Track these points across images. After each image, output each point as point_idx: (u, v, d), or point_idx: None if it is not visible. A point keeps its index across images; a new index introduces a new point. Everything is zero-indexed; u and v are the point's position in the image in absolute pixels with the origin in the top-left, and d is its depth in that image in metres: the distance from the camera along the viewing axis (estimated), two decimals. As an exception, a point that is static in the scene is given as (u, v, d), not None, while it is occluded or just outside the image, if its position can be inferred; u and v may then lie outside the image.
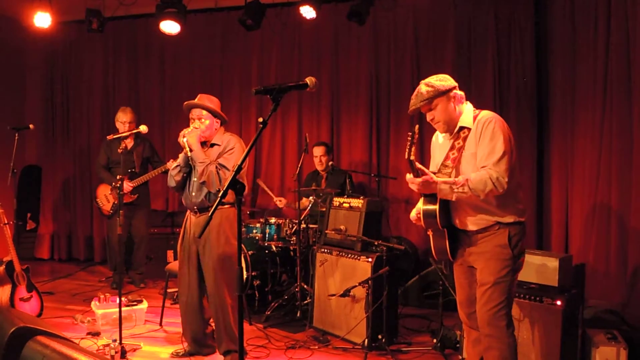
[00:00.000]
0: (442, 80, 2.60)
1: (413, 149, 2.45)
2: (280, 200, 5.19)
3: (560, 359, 3.00)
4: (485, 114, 2.59)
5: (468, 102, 2.67)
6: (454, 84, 2.62)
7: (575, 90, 4.50)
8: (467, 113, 2.62)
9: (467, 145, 2.57)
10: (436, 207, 2.56)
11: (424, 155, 4.73)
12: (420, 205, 2.62)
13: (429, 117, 2.64)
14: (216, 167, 3.24)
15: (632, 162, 3.96)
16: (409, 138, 2.46)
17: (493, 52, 5.11)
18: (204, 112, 3.36)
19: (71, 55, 6.82)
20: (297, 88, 2.14)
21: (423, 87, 2.59)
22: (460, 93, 2.63)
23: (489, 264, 2.55)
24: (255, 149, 6.13)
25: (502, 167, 2.44)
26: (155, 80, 6.57)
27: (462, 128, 2.61)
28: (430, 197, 2.58)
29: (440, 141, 2.78)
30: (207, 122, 3.36)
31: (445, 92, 2.58)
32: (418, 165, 2.51)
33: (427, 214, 2.59)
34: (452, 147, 2.63)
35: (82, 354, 1.68)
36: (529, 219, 4.63)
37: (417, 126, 2.58)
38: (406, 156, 2.46)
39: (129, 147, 5.17)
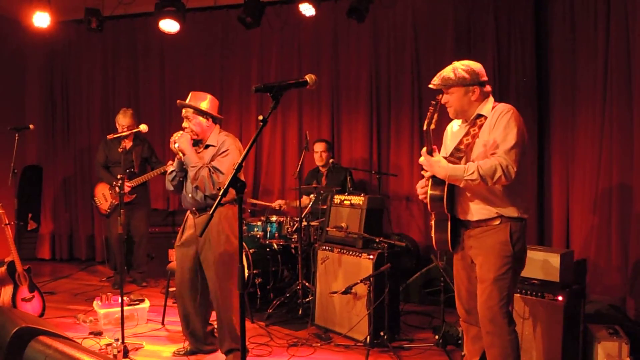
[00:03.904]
0: (469, 72, 2.56)
1: (435, 117, 2.44)
2: (278, 205, 5.19)
3: (562, 354, 3.01)
4: (504, 104, 2.59)
5: (491, 96, 2.66)
6: (481, 79, 2.58)
7: (576, 87, 4.50)
8: (487, 103, 2.61)
9: (482, 133, 2.56)
10: (444, 192, 2.56)
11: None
12: (428, 189, 2.61)
13: (444, 99, 2.64)
14: (209, 169, 3.23)
15: (633, 158, 3.96)
16: (432, 107, 2.45)
17: (493, 49, 5.09)
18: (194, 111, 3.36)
19: (71, 54, 6.82)
20: (297, 86, 2.14)
21: (448, 71, 2.59)
22: (486, 89, 2.60)
23: (488, 260, 2.55)
24: (255, 147, 6.13)
25: (512, 157, 2.43)
26: (155, 79, 6.57)
27: (479, 116, 2.60)
28: (439, 181, 2.58)
29: (454, 129, 2.78)
30: (197, 119, 3.34)
31: (465, 85, 2.56)
32: (434, 145, 2.51)
33: (434, 198, 2.59)
34: (467, 133, 2.62)
35: (85, 354, 1.68)
36: (530, 215, 4.64)
37: (441, 95, 2.56)
38: (424, 127, 2.45)
39: (127, 147, 5.17)
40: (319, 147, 5.18)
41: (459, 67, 2.58)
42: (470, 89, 2.57)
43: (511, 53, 5.06)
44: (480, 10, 5.19)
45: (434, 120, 2.47)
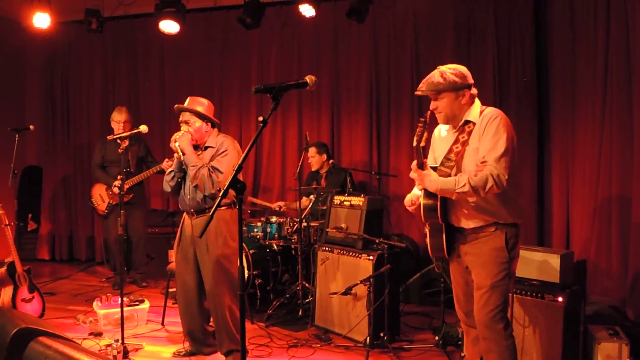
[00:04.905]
0: (458, 76, 2.53)
1: (425, 135, 2.41)
2: (279, 206, 5.19)
3: (562, 355, 3.00)
4: (491, 110, 2.55)
5: (477, 99, 2.63)
6: (469, 82, 2.55)
7: (576, 86, 4.50)
8: (474, 108, 2.58)
9: (472, 140, 2.53)
10: (437, 202, 2.54)
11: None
12: (421, 200, 2.59)
13: (432, 105, 2.60)
14: (209, 169, 3.23)
15: (633, 158, 3.95)
16: (420, 124, 2.42)
17: (493, 50, 5.09)
18: (193, 115, 3.36)
19: (71, 55, 6.82)
20: (297, 87, 2.13)
21: (437, 76, 2.54)
22: (473, 92, 2.57)
23: (485, 267, 2.54)
24: (255, 147, 6.12)
25: (502, 165, 2.41)
26: (154, 80, 6.57)
27: (467, 122, 2.56)
28: (431, 192, 2.56)
29: (443, 134, 2.74)
30: (197, 124, 3.36)
31: (456, 89, 2.53)
32: (425, 159, 2.49)
33: (428, 208, 2.57)
34: (456, 141, 2.58)
35: (85, 355, 1.68)
36: (529, 215, 4.65)
37: (429, 112, 2.52)
38: (414, 143, 2.42)
39: (124, 147, 5.16)
40: (310, 152, 5.12)
41: (448, 71, 2.54)
42: (460, 92, 2.54)
43: (511, 53, 5.05)
44: (480, 11, 5.18)
45: (423, 138, 2.42)
